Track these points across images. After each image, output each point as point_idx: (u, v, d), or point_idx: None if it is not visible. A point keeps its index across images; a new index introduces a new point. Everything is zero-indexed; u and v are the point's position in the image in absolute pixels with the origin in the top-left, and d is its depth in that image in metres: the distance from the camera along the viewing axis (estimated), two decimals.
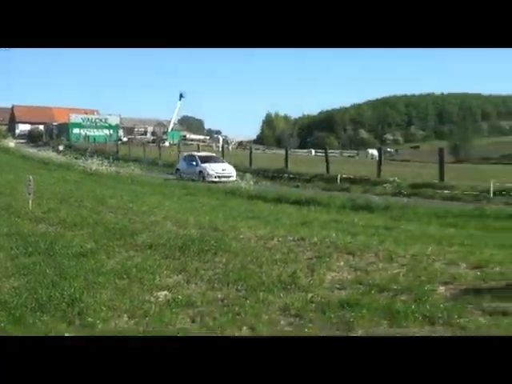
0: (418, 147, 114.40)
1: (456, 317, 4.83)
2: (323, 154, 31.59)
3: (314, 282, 6.06)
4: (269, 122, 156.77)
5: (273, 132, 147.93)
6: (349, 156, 69.50)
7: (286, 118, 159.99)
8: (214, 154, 33.16)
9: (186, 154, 32.57)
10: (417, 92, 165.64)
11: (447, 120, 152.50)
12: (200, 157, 29.56)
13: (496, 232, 9.89)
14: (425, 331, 4.62)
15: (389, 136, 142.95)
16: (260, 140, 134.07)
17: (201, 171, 27.54)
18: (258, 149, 66.20)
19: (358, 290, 5.71)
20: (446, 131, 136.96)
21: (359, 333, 4.62)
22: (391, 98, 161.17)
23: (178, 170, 29.93)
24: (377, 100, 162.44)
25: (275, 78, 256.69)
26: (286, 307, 5.28)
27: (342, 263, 6.82)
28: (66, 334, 4.44)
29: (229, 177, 26.66)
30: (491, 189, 19.70)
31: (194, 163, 28.49)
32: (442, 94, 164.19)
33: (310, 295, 5.59)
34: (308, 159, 46.93)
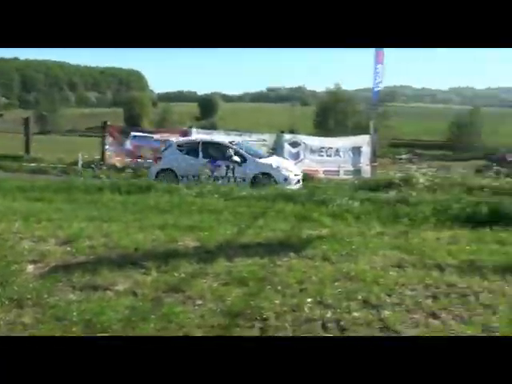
0: (1, 115, 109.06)
1: (46, 296, 4.73)
2: None
3: None
4: None
5: None
6: None
7: None
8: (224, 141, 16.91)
9: (184, 139, 17.48)
10: None
11: (32, 88, 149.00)
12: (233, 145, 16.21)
13: (85, 205, 10.05)
14: (12, 315, 4.39)
15: None
16: None
17: (266, 174, 15.27)
18: None
19: None
20: (31, 100, 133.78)
21: None
22: None
23: (164, 170, 15.77)
24: None
25: None
26: None
27: None
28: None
29: (299, 181, 16.02)
30: (80, 161, 20.12)
31: (237, 158, 15.59)
32: (27, 59, 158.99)
33: None
34: None
